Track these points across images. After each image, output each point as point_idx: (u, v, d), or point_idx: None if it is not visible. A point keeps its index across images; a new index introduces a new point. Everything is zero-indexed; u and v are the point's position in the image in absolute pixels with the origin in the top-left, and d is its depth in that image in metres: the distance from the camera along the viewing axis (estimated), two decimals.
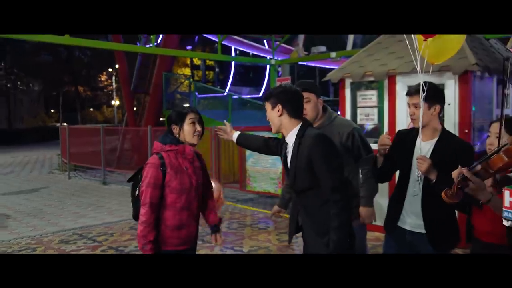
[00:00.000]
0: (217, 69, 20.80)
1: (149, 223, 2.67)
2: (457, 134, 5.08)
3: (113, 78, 42.64)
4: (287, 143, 2.60)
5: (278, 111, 2.52)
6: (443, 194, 1.93)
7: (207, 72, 21.41)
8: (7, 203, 9.32)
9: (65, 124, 25.76)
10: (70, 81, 46.83)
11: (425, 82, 2.62)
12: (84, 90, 50.66)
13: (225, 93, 16.86)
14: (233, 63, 18.82)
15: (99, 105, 55.40)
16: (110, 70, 43.66)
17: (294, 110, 2.55)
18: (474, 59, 5.01)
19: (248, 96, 17.34)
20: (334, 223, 2.38)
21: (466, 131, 5.14)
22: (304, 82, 3.17)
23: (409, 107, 2.72)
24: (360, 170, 3.18)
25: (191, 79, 19.52)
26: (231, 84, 18.65)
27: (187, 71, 21.99)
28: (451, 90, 5.20)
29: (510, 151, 1.73)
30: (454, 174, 1.90)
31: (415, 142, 2.73)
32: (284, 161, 2.66)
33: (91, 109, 55.34)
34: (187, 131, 2.77)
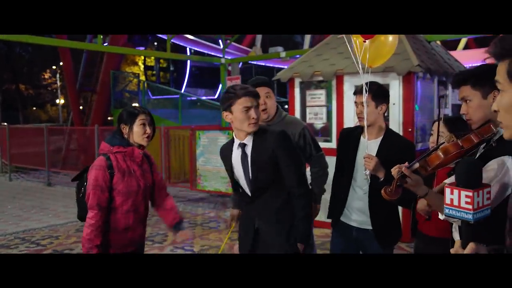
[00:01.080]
0: (171, 69, 20.46)
1: (97, 227, 2.58)
2: (401, 133, 5.27)
3: (58, 75, 40.97)
4: (245, 145, 2.54)
5: (227, 116, 2.51)
6: (382, 191, 1.98)
7: (161, 73, 21.03)
8: None
9: (5, 123, 24.45)
10: (10, 79, 44.58)
11: (371, 82, 2.69)
12: (26, 88, 48.36)
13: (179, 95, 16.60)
14: (188, 64, 18.58)
15: (43, 104, 53.06)
16: (54, 67, 41.92)
17: None
18: (417, 61, 5.21)
19: (204, 97, 17.17)
20: (300, 213, 2.48)
21: (410, 130, 5.34)
22: (262, 78, 3.16)
23: (356, 106, 2.77)
24: (310, 169, 3.22)
25: (143, 79, 19.10)
26: (186, 86, 18.39)
27: (136, 69, 21.49)
28: (396, 90, 5.38)
29: (446, 149, 1.79)
30: (394, 171, 1.96)
31: (359, 140, 2.79)
32: (242, 163, 2.56)
33: (34, 108, 52.94)
34: (137, 132, 2.71)
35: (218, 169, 7.72)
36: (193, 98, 16.03)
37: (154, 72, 21.08)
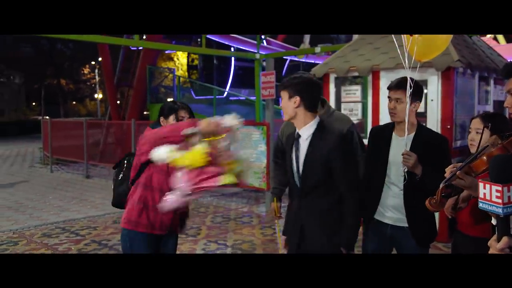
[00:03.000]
0: (215, 67, 20.46)
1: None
2: (439, 130, 5.14)
3: (96, 71, 42.05)
4: (299, 135, 2.51)
5: (295, 102, 2.44)
6: (427, 202, 1.96)
7: (191, 71, 21.09)
8: None
9: (47, 117, 25.33)
10: (52, 74, 46.06)
11: (411, 78, 2.63)
12: (67, 83, 49.86)
13: (224, 95, 16.60)
14: (232, 64, 18.60)
15: (82, 98, 54.61)
16: (93, 63, 43.03)
17: (311, 103, 2.47)
18: (457, 56, 5.05)
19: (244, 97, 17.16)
20: (349, 220, 2.44)
21: (449, 126, 5.19)
22: (299, 73, 3.13)
23: (390, 101, 2.71)
24: None
25: (179, 74, 19.27)
26: (230, 86, 18.44)
27: (171, 64, 21.78)
28: (434, 86, 5.24)
29: (492, 154, 1.74)
30: (448, 170, 1.91)
31: (392, 137, 2.74)
32: (295, 156, 2.52)
33: (74, 102, 54.55)
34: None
35: (252, 164, 7.75)
36: (241, 97, 16.03)
37: (194, 71, 21.16)
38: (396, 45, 2.77)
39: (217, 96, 16.34)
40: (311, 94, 2.46)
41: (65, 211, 7.70)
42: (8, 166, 15.03)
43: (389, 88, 2.74)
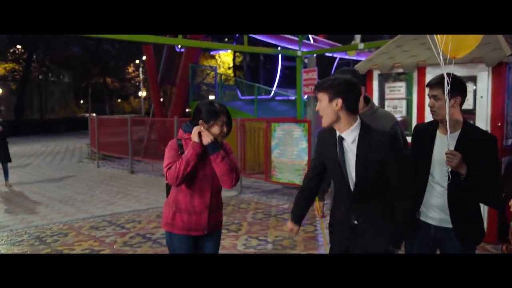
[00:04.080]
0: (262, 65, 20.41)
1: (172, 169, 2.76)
2: (489, 128, 4.96)
3: (140, 69, 43.12)
4: (342, 138, 2.40)
5: (337, 105, 2.32)
6: (504, 248, 1.91)
7: (237, 72, 21.12)
8: (39, 190, 9.58)
9: (94, 114, 26.23)
10: (99, 72, 47.67)
11: (448, 74, 2.56)
12: (112, 81, 51.48)
13: (271, 95, 16.56)
14: (279, 64, 18.59)
15: (127, 96, 56.17)
16: (137, 61, 44.17)
17: (353, 105, 2.36)
18: (510, 50, 4.85)
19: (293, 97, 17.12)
20: (400, 219, 2.39)
21: (499, 124, 5.00)
22: (343, 70, 3.10)
23: (429, 98, 2.66)
24: None
25: (221, 71, 19.44)
26: (277, 86, 18.44)
27: (213, 62, 22.02)
28: (484, 83, 5.06)
29: None
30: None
31: (435, 136, 2.67)
32: (342, 159, 2.43)
33: (119, 100, 56.19)
34: (215, 131, 2.82)
35: (292, 161, 7.75)
36: (290, 97, 16.00)
37: (240, 72, 21.21)
38: (430, 42, 2.70)
39: (263, 96, 16.36)
40: (353, 95, 2.36)
41: (111, 205, 7.96)
42: (58, 161, 15.69)
43: (427, 85, 2.69)
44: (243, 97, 16.53)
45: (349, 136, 2.38)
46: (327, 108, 2.35)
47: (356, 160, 2.37)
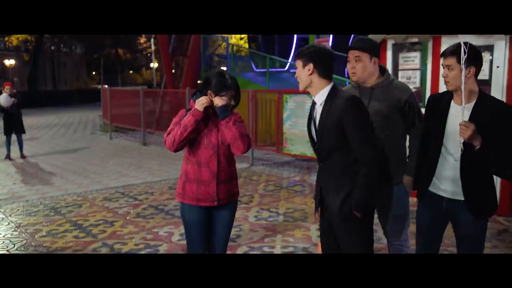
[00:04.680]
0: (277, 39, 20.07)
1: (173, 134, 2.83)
2: (504, 98, 4.87)
3: (152, 40, 42.88)
4: (315, 103, 2.59)
5: (309, 69, 2.52)
6: None
7: (252, 44, 20.77)
8: (54, 162, 9.73)
9: (106, 86, 26.31)
10: (111, 44, 47.50)
11: (458, 44, 2.50)
12: (124, 52, 51.34)
13: (286, 67, 16.30)
14: (295, 36, 18.30)
15: (139, 68, 56.13)
16: None
17: (325, 70, 2.53)
18: None
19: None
20: (360, 182, 2.46)
21: None
22: (358, 40, 3.06)
23: (444, 68, 2.61)
24: (410, 140, 3.11)
25: (233, 42, 19.18)
26: (293, 59, 18.24)
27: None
28: (501, 52, 4.93)
29: None
30: None
31: (449, 106, 2.64)
32: (313, 123, 2.63)
33: (131, 72, 56.19)
34: (221, 102, 2.82)
35: (304, 133, 7.69)
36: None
37: (254, 44, 20.85)
38: None
39: (278, 68, 16.15)
40: (324, 61, 2.53)
41: (124, 177, 8.07)
42: (72, 132, 15.87)
43: (441, 55, 2.64)
44: (257, 70, 16.33)
45: (319, 99, 2.56)
46: (301, 73, 2.56)
47: (318, 122, 2.55)
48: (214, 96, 2.82)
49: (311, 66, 2.51)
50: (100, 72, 48.35)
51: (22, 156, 10.13)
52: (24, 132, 10.13)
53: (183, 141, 2.79)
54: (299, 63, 2.56)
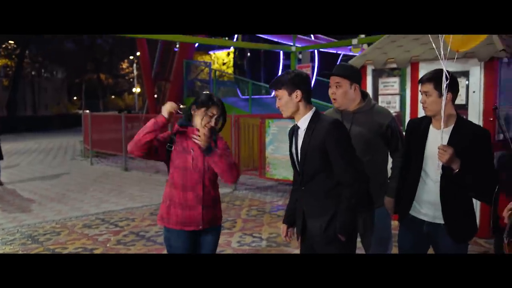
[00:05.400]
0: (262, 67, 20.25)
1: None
2: (481, 122, 4.98)
3: (134, 65, 42.96)
4: (298, 127, 2.59)
5: (297, 96, 2.51)
6: (505, 245, 1.95)
7: (236, 70, 20.91)
8: (32, 188, 9.54)
9: (87, 111, 26.10)
10: (93, 68, 47.44)
11: (434, 70, 2.58)
12: (106, 77, 51.25)
13: (272, 94, 16.44)
14: (280, 62, 18.56)
15: (121, 92, 55.99)
16: (131, 57, 44.01)
17: (309, 95, 2.57)
18: (502, 45, 4.87)
19: None
20: (343, 204, 2.47)
21: (491, 119, 5.02)
22: (339, 66, 3.12)
23: (421, 94, 2.68)
24: (393, 162, 3.16)
25: (215, 67, 19.33)
26: (271, 89, 18.53)
27: (207, 58, 21.91)
28: (476, 78, 5.08)
29: None
30: (506, 212, 1.88)
31: (428, 130, 2.70)
32: (295, 147, 2.64)
33: (113, 97, 56.00)
34: (199, 121, 2.82)
35: (287, 157, 7.74)
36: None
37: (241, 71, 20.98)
38: (430, 36, 2.70)
39: (263, 96, 16.31)
40: (308, 85, 2.56)
41: (104, 203, 7.95)
42: (51, 158, 15.63)
43: (418, 82, 2.71)
44: (243, 97, 16.42)
45: (303, 124, 2.57)
46: (289, 102, 2.54)
47: (301, 145, 2.56)
48: (197, 110, 2.83)
49: (298, 93, 2.51)
50: (82, 97, 48.04)
51: (0, 183, 9.92)
52: (2, 158, 9.94)
53: (141, 143, 2.72)
54: (283, 93, 2.54)
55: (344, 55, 19.60)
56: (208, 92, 2.96)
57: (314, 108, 2.58)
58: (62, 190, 9.28)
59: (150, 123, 2.77)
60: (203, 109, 2.82)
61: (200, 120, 2.82)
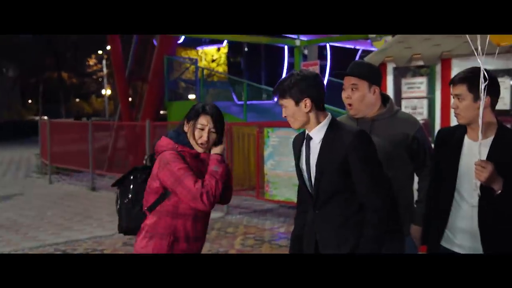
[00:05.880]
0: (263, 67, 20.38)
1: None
2: None
3: (104, 62, 43.05)
4: (310, 137, 2.58)
5: (306, 105, 2.49)
6: None
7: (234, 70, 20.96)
8: None
9: (45, 117, 26.07)
10: (52, 65, 47.33)
11: (468, 69, 2.59)
12: (69, 76, 51.22)
13: (276, 99, 16.50)
14: (285, 60, 18.66)
15: (87, 95, 56.00)
16: (100, 52, 44.07)
17: (321, 101, 2.54)
18: None
19: None
20: (369, 232, 2.45)
21: None
22: (355, 64, 3.12)
23: (453, 98, 2.67)
24: (419, 182, 3.16)
25: (202, 65, 19.38)
26: (275, 96, 18.67)
27: (194, 54, 22.00)
28: None
29: None
30: None
31: (463, 142, 2.69)
32: (305, 161, 2.61)
33: (77, 100, 56.00)
34: (191, 134, 2.80)
35: (290, 174, 7.75)
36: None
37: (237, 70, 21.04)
38: None
39: (265, 101, 16.30)
40: (318, 90, 2.53)
41: (66, 230, 7.92)
42: (0, 175, 15.58)
43: (449, 83, 2.71)
44: (239, 102, 16.42)
45: (316, 135, 2.55)
46: (297, 112, 2.52)
47: (316, 161, 2.53)
48: (187, 124, 2.82)
49: (308, 101, 2.48)
50: (39, 100, 48.01)
51: None
52: None
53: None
54: (288, 102, 2.52)
55: (364, 51, 19.67)
56: (205, 102, 2.94)
57: (329, 116, 2.57)
58: (13, 215, 9.25)
59: (224, 171, 2.77)
60: (191, 122, 2.79)
61: (191, 136, 2.79)
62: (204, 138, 2.77)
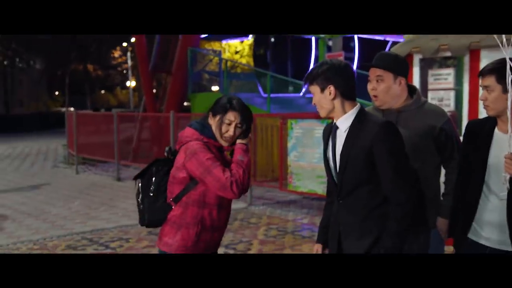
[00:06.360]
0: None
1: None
2: None
3: (128, 54, 43.36)
4: (337, 127, 2.58)
5: (330, 93, 2.52)
6: None
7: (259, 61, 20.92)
8: (5, 202, 9.68)
9: (72, 109, 26.43)
10: (78, 58, 47.87)
11: (503, 59, 2.54)
12: (94, 69, 51.78)
13: (302, 93, 16.39)
14: (312, 53, 18.59)
15: (112, 87, 56.59)
16: (124, 45, 44.41)
17: (349, 89, 2.55)
18: None
19: None
20: (391, 227, 2.45)
21: None
22: (380, 56, 3.09)
23: (482, 89, 2.65)
24: (446, 175, 3.13)
25: (225, 57, 19.39)
26: (304, 84, 18.61)
27: (217, 45, 21.99)
28: None
29: None
30: None
31: (492, 135, 2.66)
32: (332, 150, 2.61)
33: (103, 92, 56.65)
34: (217, 128, 2.81)
35: (314, 166, 7.74)
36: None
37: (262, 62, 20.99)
38: None
39: (292, 94, 16.23)
40: (345, 78, 2.54)
41: (92, 220, 8.03)
42: (28, 165, 15.85)
43: (478, 74, 2.69)
44: (265, 95, 16.37)
45: (343, 124, 2.56)
46: (322, 99, 2.56)
47: (341, 151, 2.53)
48: (213, 117, 2.83)
49: (331, 88, 2.51)
50: (65, 92, 48.64)
51: None
52: None
53: None
54: (315, 88, 2.56)
55: (394, 43, 19.42)
56: (231, 95, 2.92)
57: (358, 105, 2.57)
58: (41, 204, 9.41)
59: (249, 161, 2.78)
60: (218, 116, 2.80)
61: (217, 130, 2.80)
62: (231, 132, 2.80)
